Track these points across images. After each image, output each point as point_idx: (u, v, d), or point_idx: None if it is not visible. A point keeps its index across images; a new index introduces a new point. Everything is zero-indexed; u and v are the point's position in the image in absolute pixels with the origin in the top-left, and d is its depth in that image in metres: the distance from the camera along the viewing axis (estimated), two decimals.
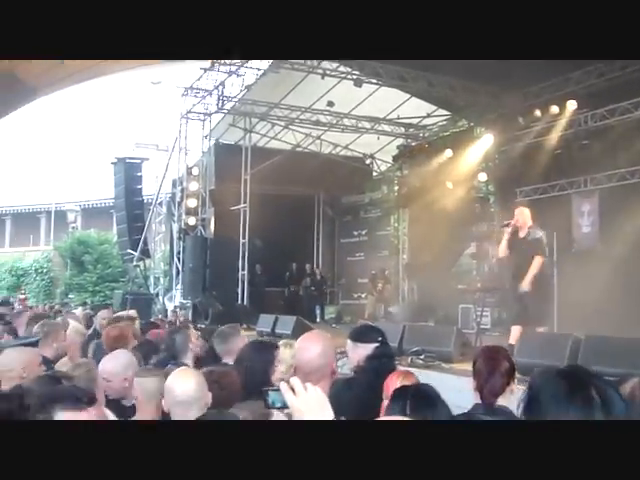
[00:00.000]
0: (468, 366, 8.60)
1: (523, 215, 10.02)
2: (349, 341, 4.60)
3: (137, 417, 4.13)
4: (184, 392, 3.71)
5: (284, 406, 2.39)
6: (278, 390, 2.37)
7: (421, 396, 2.59)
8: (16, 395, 3.36)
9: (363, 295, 22.06)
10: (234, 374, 4.31)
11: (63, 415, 2.40)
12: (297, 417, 2.27)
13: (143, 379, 4.29)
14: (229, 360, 5.53)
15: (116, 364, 4.79)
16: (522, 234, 9.85)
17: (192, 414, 3.55)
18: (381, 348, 4.44)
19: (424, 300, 19.28)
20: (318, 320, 20.47)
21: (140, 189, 24.06)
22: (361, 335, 4.62)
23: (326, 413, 2.25)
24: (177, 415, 3.66)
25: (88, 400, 2.53)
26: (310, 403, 2.26)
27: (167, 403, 3.80)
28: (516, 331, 9.62)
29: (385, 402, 3.06)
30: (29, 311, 12.82)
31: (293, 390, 2.30)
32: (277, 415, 2.73)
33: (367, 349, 4.39)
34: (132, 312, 9.94)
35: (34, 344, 5.74)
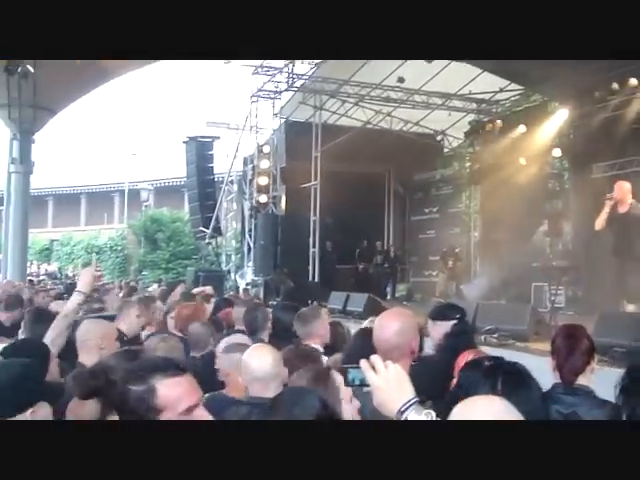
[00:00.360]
0: (543, 345, 8.52)
1: (623, 189, 9.74)
2: (429, 320, 4.63)
3: (227, 392, 4.15)
4: (261, 368, 3.69)
5: (363, 384, 2.40)
6: (359, 368, 2.38)
7: (514, 374, 2.52)
8: (101, 371, 3.46)
9: (434, 273, 21.86)
10: (317, 353, 4.29)
11: (163, 382, 2.41)
12: (377, 395, 2.28)
13: (235, 354, 4.24)
14: (311, 343, 5.43)
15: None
16: (623, 209, 9.58)
17: (270, 392, 3.57)
18: (459, 325, 4.44)
19: (496, 278, 19.05)
20: (389, 298, 20.43)
21: (211, 167, 24.31)
22: (439, 313, 4.65)
23: (406, 391, 2.25)
24: (256, 391, 3.65)
25: (182, 367, 2.59)
26: (390, 381, 2.26)
27: (245, 379, 3.80)
28: None
29: (454, 381, 3.01)
30: (116, 287, 13.10)
31: (374, 368, 2.31)
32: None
33: (445, 327, 4.39)
34: (208, 289, 10.05)
35: (111, 318, 5.90)
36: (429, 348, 4.72)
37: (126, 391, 2.43)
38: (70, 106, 25.63)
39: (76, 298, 4.80)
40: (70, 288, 10.91)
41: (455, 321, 4.48)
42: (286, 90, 20.51)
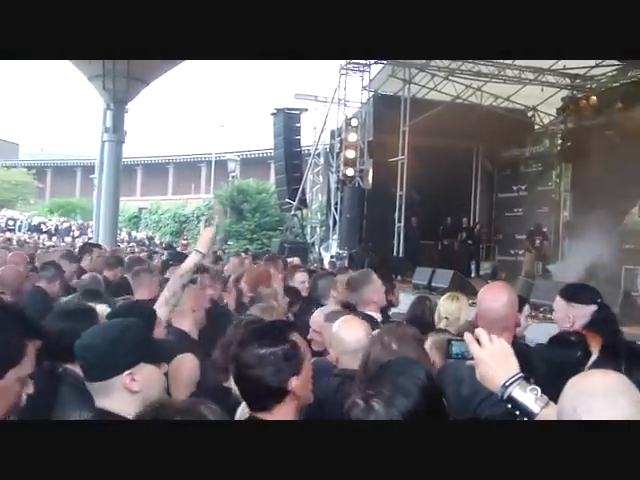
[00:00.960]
0: (635, 329, 8.33)
1: None
2: (560, 299, 4.18)
3: (330, 358, 3.99)
4: (352, 341, 3.65)
5: (464, 357, 2.41)
6: (462, 340, 2.39)
7: (638, 354, 2.48)
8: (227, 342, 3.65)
9: (520, 252, 21.52)
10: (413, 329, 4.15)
11: (296, 336, 2.68)
12: (481, 367, 2.29)
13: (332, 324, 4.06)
14: (365, 310, 5.00)
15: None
16: None
17: (358, 363, 3.56)
18: (603, 312, 4.02)
19: (585, 259, 18.65)
20: (473, 275, 20.23)
21: (299, 140, 24.39)
22: (577, 294, 4.16)
23: (512, 366, 2.25)
24: (346, 363, 3.62)
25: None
26: (496, 354, 2.27)
27: (336, 351, 3.78)
28: None
29: None
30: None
31: (478, 341, 2.31)
32: None
33: (584, 310, 3.98)
34: (296, 260, 10.20)
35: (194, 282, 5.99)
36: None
37: (268, 355, 2.51)
38: (162, 77, 26.06)
39: (194, 258, 4.61)
40: (175, 256, 11.16)
41: (596, 306, 3.99)
42: (375, 63, 20.40)
